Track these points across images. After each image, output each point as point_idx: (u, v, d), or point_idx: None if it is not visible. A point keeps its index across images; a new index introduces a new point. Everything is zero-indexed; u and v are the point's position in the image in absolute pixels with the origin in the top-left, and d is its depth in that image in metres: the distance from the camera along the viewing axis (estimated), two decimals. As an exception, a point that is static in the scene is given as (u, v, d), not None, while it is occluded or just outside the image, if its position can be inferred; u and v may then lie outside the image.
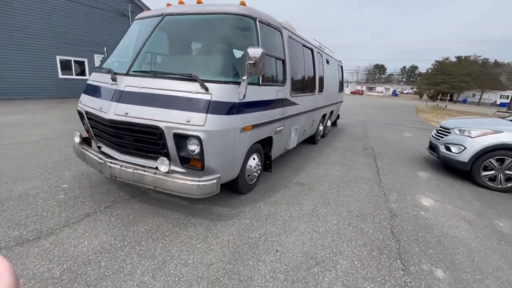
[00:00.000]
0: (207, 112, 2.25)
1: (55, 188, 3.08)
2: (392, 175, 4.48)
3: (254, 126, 2.76)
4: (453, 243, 2.60)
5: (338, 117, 9.20)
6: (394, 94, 71.05)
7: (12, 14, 10.26)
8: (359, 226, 2.75)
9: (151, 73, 2.54)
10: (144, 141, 2.45)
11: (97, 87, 2.89)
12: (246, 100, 2.54)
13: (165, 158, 2.31)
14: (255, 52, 2.31)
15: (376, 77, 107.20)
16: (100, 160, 2.62)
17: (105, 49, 3.42)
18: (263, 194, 3.31)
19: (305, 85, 4.46)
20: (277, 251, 2.25)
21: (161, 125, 2.29)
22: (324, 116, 6.41)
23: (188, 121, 2.24)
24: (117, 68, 2.81)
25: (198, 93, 2.30)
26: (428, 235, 2.70)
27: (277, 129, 3.41)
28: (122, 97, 2.51)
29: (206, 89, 2.28)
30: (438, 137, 4.88)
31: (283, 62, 3.40)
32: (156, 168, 2.38)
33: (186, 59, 2.83)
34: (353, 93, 63.01)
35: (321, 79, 5.48)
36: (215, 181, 2.38)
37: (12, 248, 2.06)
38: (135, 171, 2.43)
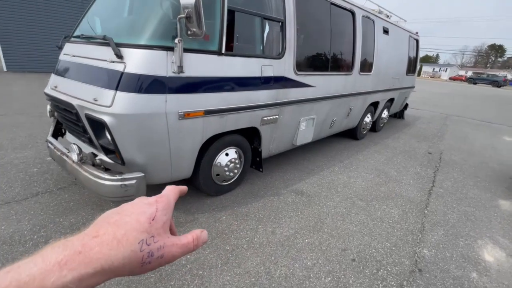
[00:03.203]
0: (116, 89, 1.64)
1: (39, 160, 3.09)
2: (452, 198, 3.01)
3: (210, 112, 2.01)
4: None
5: (406, 107, 7.24)
6: (513, 82, 54.19)
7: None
8: (343, 281, 1.76)
9: (82, 38, 2.07)
10: (72, 121, 2.05)
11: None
12: (188, 74, 1.81)
13: (75, 145, 1.86)
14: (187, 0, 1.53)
15: (490, 60, 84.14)
16: (47, 137, 2.39)
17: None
18: (238, 200, 2.59)
19: (331, 61, 3.30)
20: (189, 295, 1.57)
21: (74, 102, 1.82)
22: (375, 104, 4.96)
23: (96, 100, 1.70)
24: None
25: (113, 61, 1.70)
26: (470, 328, 1.51)
27: (266, 118, 2.55)
28: (58, 67, 2.15)
29: (119, 56, 1.66)
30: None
31: (282, 24, 2.44)
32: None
33: (121, 18, 2.23)
34: (452, 79, 50.79)
35: (369, 55, 4.09)
36: (133, 181, 1.81)
37: None
38: (61, 155, 2.08)
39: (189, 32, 1.66)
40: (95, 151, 2.06)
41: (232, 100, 2.14)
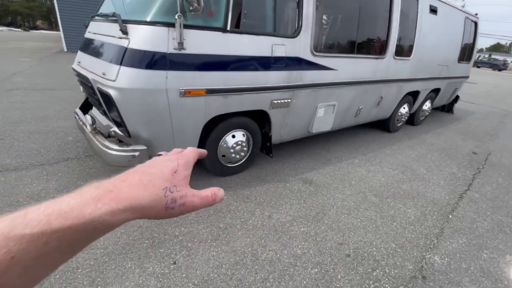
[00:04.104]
0: (120, 64, 1.73)
1: (75, 131, 3.45)
2: (488, 205, 2.62)
3: (212, 92, 2.01)
4: None
5: (456, 99, 6.37)
6: None
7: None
8: (331, 274, 1.68)
9: (101, 16, 2.19)
10: (91, 94, 2.23)
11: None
12: (190, 51, 1.81)
13: (89, 116, 2.02)
14: (185, -27, 1.50)
15: None
16: (75, 109, 2.64)
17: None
18: (242, 183, 2.60)
19: (358, 42, 3.01)
20: (174, 264, 1.65)
21: (90, 76, 1.97)
22: (414, 94, 4.46)
23: (104, 74, 1.81)
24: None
25: (120, 38, 1.78)
26: None
27: (276, 101, 2.46)
28: (82, 44, 2.33)
29: (125, 32, 1.72)
30: None
31: (298, 1, 2.27)
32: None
33: None
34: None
35: (408, 37, 3.64)
36: (136, 153, 1.92)
37: (0, 172, 2.41)
38: (82, 125, 2.30)
39: (190, 8, 1.65)
40: (110, 123, 2.23)
41: (237, 80, 2.10)
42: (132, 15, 1.87)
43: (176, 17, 1.64)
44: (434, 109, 5.97)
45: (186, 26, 1.74)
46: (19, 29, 30.80)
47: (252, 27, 2.10)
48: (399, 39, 3.44)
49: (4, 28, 29.63)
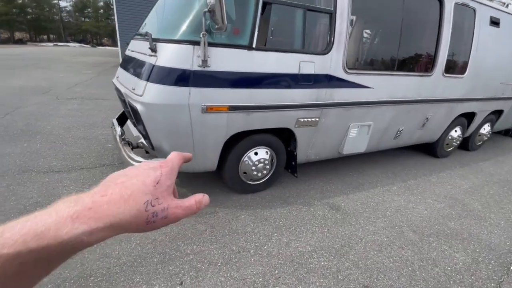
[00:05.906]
0: (148, 80, 1.79)
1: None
2: None
3: (234, 108, 1.97)
4: None
5: (524, 123, 5.45)
6: None
7: None
8: (353, 323, 1.45)
9: (138, 35, 2.34)
10: (125, 107, 2.37)
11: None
12: (214, 68, 1.81)
13: (119, 128, 2.13)
14: (210, -7, 1.52)
15: None
16: (113, 120, 2.84)
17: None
18: (263, 203, 2.48)
19: (399, 58, 2.74)
20: (180, 284, 1.59)
21: (123, 90, 2.09)
22: (469, 115, 3.92)
23: (133, 89, 1.90)
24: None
25: (150, 55, 1.86)
26: None
27: (303, 119, 2.34)
28: (122, 61, 2.51)
29: (154, 50, 1.80)
30: None
31: (331, 16, 2.16)
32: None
33: (168, 17, 2.36)
34: None
35: (462, 52, 3.23)
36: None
37: (46, 173, 2.67)
38: (115, 135, 2.44)
39: (216, 27, 1.66)
40: (140, 135, 2.33)
41: (261, 98, 2.04)
42: (162, 34, 1.95)
43: (201, 35, 1.66)
44: (495, 133, 5.19)
45: (211, 44, 1.75)
46: (87, 45, 35.73)
47: (279, 44, 2.05)
48: (451, 54, 3.07)
49: (76, 44, 34.69)
